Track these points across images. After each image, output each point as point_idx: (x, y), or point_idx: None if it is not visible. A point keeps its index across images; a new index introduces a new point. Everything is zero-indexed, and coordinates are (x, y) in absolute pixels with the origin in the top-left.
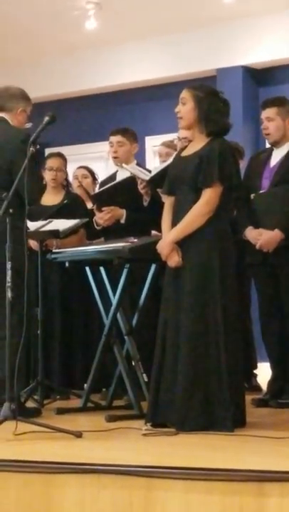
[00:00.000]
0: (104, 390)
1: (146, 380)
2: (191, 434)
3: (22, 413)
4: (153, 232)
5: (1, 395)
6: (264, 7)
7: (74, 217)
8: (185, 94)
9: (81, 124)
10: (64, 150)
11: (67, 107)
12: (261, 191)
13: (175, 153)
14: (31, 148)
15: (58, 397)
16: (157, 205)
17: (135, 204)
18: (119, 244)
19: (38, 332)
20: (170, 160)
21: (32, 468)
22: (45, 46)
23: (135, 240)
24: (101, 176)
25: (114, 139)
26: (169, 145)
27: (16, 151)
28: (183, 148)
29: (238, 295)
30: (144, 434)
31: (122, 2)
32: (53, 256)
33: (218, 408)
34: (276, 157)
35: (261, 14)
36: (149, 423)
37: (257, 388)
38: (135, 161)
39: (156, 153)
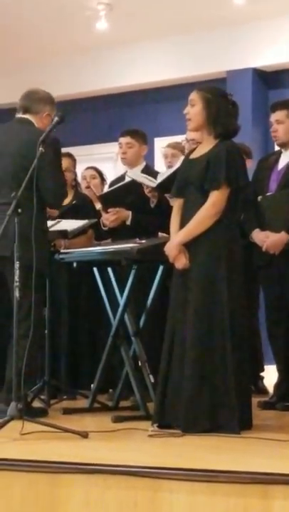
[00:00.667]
0: (110, 390)
1: (152, 381)
2: (197, 435)
3: (28, 413)
4: (160, 234)
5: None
6: (275, 9)
7: (82, 218)
8: (194, 96)
9: (91, 125)
10: (73, 150)
11: (76, 108)
12: (268, 193)
13: (181, 154)
14: (40, 149)
15: (64, 397)
16: (164, 207)
17: (142, 205)
18: (127, 245)
19: (45, 332)
20: (177, 164)
21: (38, 467)
22: (56, 47)
23: (143, 241)
24: (110, 177)
25: (123, 140)
26: (175, 146)
27: (41, 154)
28: (192, 151)
29: (245, 298)
30: (150, 435)
31: (132, 3)
32: (61, 256)
33: (224, 411)
34: (284, 160)
35: (272, 17)
36: (156, 424)
37: (263, 391)
38: (144, 163)
39: None
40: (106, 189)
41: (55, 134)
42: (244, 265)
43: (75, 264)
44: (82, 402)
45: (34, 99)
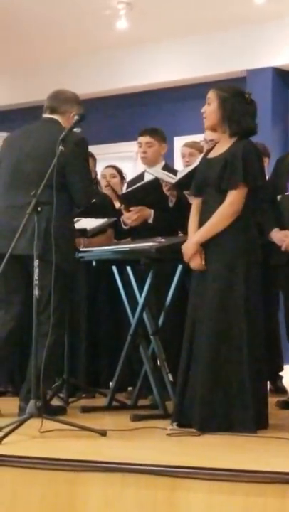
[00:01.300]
0: (129, 389)
1: (171, 380)
2: (216, 434)
3: (47, 411)
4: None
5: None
6: None
7: (102, 217)
8: (210, 95)
9: (110, 124)
10: (93, 149)
11: (96, 107)
12: (288, 193)
13: (198, 153)
14: (60, 147)
15: (83, 395)
16: (183, 206)
17: (162, 204)
18: (146, 244)
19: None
20: (196, 162)
21: (56, 465)
22: (76, 46)
23: (163, 240)
24: (129, 176)
25: (143, 139)
26: (192, 145)
27: (69, 153)
28: (209, 150)
29: (262, 299)
30: (169, 434)
31: (152, 2)
32: (80, 255)
33: (239, 411)
34: None
35: None
36: (175, 423)
37: (282, 390)
38: (164, 162)
39: None
40: (125, 188)
41: (82, 134)
42: (262, 265)
43: (94, 263)
44: (101, 401)
45: (61, 100)
